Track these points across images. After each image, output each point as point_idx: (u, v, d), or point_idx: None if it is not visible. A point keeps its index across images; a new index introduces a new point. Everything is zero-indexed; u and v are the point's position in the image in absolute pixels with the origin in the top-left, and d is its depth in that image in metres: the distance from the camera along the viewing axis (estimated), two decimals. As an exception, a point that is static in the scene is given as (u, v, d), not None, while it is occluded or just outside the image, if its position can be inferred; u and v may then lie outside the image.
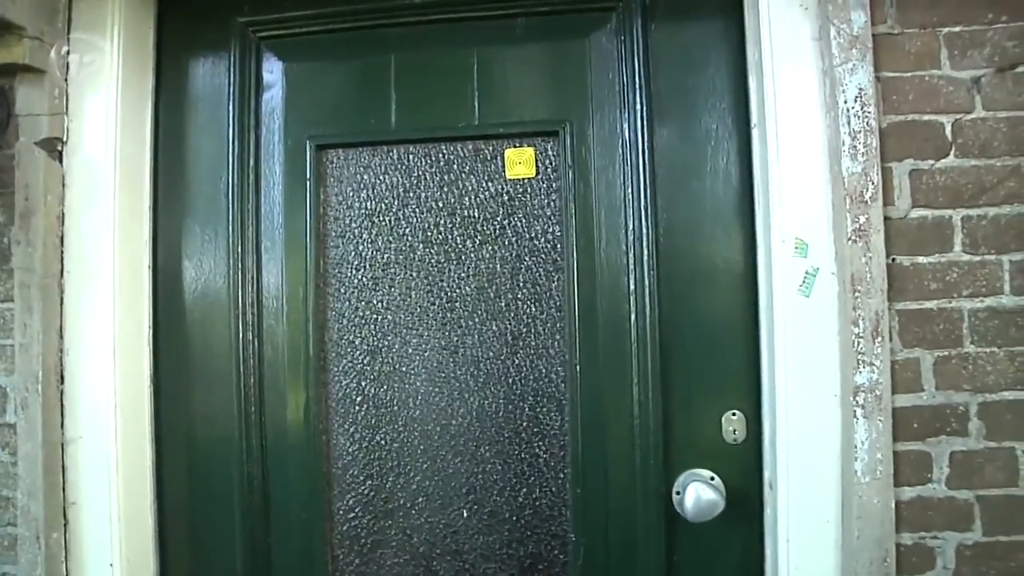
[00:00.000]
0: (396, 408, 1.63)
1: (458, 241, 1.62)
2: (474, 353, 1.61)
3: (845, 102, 1.33)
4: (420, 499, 1.62)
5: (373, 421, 1.64)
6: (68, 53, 1.56)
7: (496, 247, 1.61)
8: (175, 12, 1.68)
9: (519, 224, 1.60)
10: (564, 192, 1.57)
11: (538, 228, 1.59)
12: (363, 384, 1.64)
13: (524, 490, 1.59)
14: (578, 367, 1.56)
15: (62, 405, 1.51)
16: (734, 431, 1.50)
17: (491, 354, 1.60)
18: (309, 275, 1.63)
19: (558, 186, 1.58)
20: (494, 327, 1.60)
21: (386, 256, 1.64)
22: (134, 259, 1.60)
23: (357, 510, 1.64)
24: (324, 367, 1.64)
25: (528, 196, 1.60)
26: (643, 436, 1.53)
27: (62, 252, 1.53)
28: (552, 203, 1.59)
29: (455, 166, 1.63)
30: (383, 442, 1.63)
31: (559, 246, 1.59)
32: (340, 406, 1.64)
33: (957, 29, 1.34)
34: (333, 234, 1.65)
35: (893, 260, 1.33)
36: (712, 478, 1.49)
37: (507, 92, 1.60)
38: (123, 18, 1.59)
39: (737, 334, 1.51)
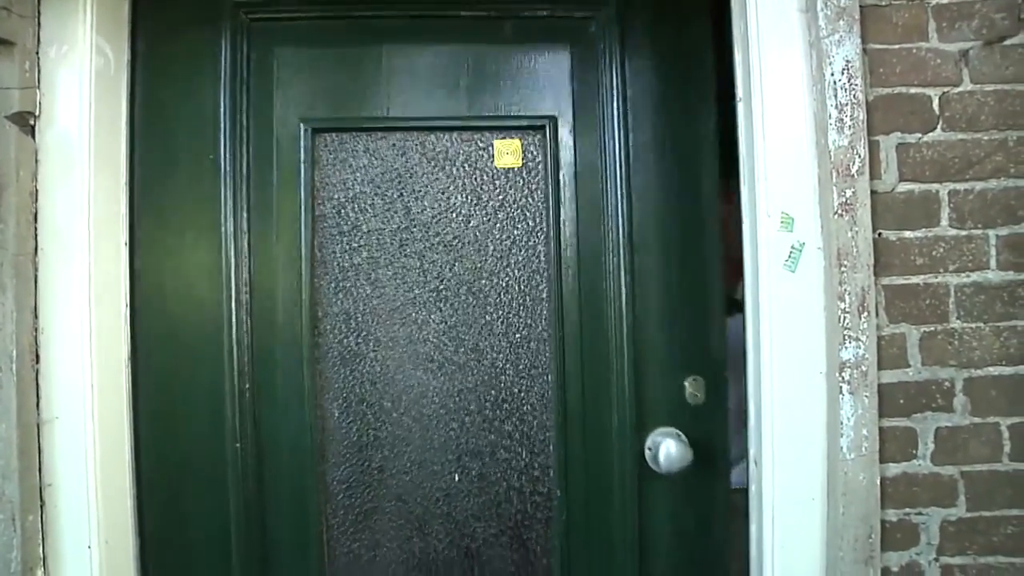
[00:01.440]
0: (388, 382, 1.65)
1: (450, 225, 1.65)
2: (464, 330, 1.65)
3: (832, 74, 1.31)
4: (413, 468, 1.65)
5: (366, 395, 1.65)
6: (40, 26, 1.52)
7: (485, 231, 1.66)
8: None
9: (508, 209, 1.66)
10: (548, 180, 1.64)
11: (525, 213, 1.66)
12: (356, 360, 1.64)
13: (512, 455, 1.66)
14: (562, 340, 1.62)
15: (37, 385, 1.48)
16: (695, 393, 1.61)
17: (480, 331, 1.65)
18: (304, 256, 1.62)
19: (543, 175, 1.65)
20: (483, 305, 1.66)
21: (381, 238, 1.65)
22: (111, 236, 1.57)
23: (351, 480, 1.65)
24: (317, 343, 1.63)
25: (515, 184, 1.67)
26: (620, 400, 1.62)
27: (36, 229, 1.50)
28: (539, 190, 1.65)
29: (447, 154, 1.66)
30: (376, 414, 1.65)
31: (544, 230, 1.65)
32: (333, 381, 1.64)
33: (946, 1, 1.32)
34: (328, 216, 1.65)
35: (879, 235, 1.32)
36: (679, 434, 1.58)
37: (497, 87, 1.66)
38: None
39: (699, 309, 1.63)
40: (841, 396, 1.31)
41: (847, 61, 1.31)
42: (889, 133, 1.32)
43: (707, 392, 1.61)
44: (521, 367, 1.64)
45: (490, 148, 1.66)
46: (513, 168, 1.66)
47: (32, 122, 1.50)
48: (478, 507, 1.66)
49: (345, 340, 1.64)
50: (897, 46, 1.32)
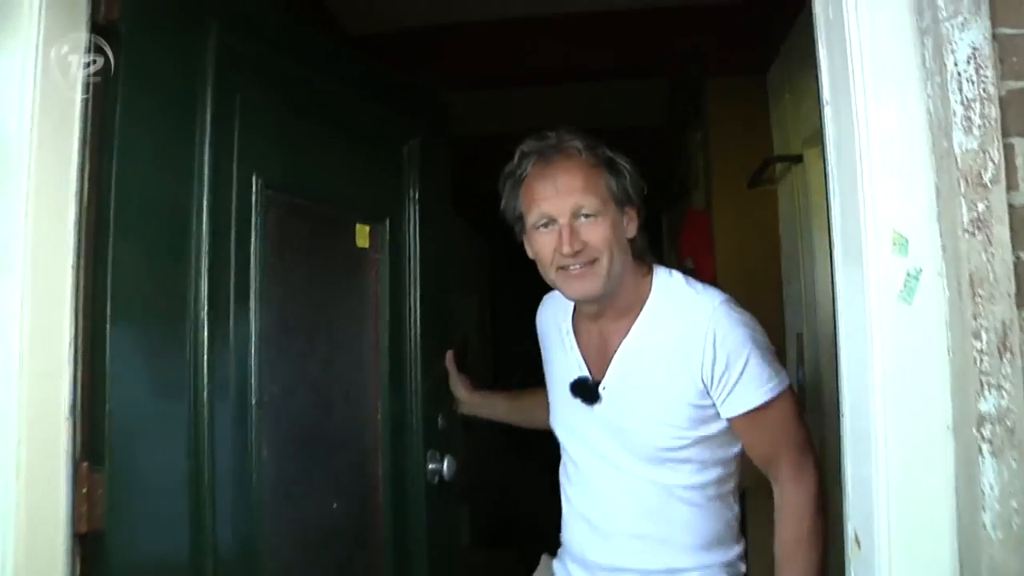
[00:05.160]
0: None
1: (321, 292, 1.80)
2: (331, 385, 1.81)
3: (955, 64, 1.08)
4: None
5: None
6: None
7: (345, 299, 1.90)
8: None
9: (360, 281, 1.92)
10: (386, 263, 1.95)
11: (372, 286, 1.93)
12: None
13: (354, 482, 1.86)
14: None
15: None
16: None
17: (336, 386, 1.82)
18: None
19: (384, 257, 1.94)
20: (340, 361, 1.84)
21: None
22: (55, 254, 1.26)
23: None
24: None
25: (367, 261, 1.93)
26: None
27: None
28: (382, 270, 1.95)
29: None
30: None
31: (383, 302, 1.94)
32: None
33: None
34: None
35: (1019, 257, 1.07)
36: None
37: (356, 180, 1.92)
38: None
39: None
40: (981, 458, 1.04)
41: (973, 48, 1.08)
42: (1024, 135, 1.08)
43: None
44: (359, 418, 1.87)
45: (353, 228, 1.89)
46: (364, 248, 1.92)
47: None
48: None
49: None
50: (1033, 30, 1.10)
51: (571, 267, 1.47)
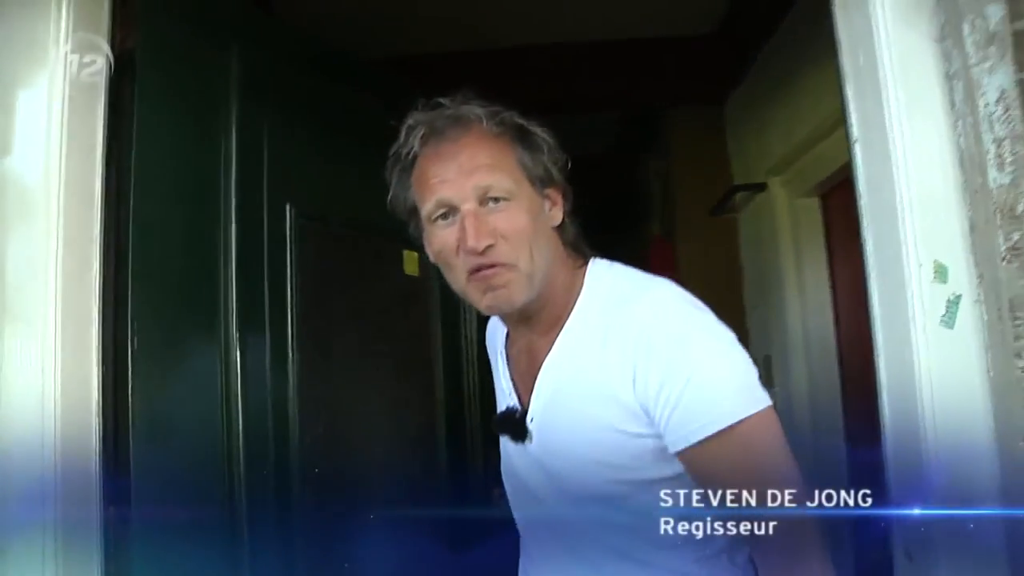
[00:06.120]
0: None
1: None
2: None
3: (986, 105, 1.17)
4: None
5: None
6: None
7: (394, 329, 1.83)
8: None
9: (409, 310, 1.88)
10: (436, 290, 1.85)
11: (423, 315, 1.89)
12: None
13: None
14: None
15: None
16: None
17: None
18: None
19: (435, 284, 1.83)
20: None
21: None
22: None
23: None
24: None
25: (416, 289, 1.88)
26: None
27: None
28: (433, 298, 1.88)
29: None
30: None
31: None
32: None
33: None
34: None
35: (1050, 283, 1.16)
36: None
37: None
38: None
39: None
40: (1028, 469, 1.12)
41: (1002, 91, 1.17)
42: (1049, 170, 1.18)
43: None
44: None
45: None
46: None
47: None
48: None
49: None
50: (1048, 76, 1.20)
51: (482, 269, 1.10)
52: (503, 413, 1.24)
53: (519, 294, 1.11)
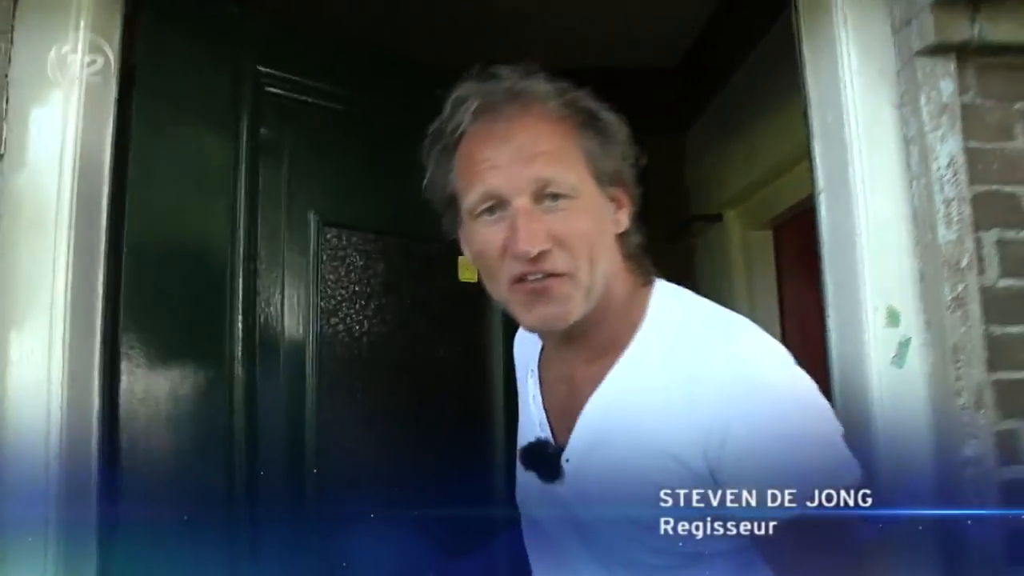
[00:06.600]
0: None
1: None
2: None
3: (938, 169, 1.31)
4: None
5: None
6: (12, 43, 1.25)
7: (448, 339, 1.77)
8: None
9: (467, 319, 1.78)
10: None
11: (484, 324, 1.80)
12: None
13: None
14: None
15: None
16: None
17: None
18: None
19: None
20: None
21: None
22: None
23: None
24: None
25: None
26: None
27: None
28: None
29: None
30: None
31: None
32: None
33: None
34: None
35: (989, 330, 1.30)
36: None
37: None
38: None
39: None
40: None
41: (951, 156, 1.31)
42: (989, 229, 1.32)
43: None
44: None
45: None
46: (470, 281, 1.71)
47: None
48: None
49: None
50: (991, 145, 1.34)
51: (530, 278, 0.91)
52: (533, 445, 1.05)
53: (575, 310, 0.92)
